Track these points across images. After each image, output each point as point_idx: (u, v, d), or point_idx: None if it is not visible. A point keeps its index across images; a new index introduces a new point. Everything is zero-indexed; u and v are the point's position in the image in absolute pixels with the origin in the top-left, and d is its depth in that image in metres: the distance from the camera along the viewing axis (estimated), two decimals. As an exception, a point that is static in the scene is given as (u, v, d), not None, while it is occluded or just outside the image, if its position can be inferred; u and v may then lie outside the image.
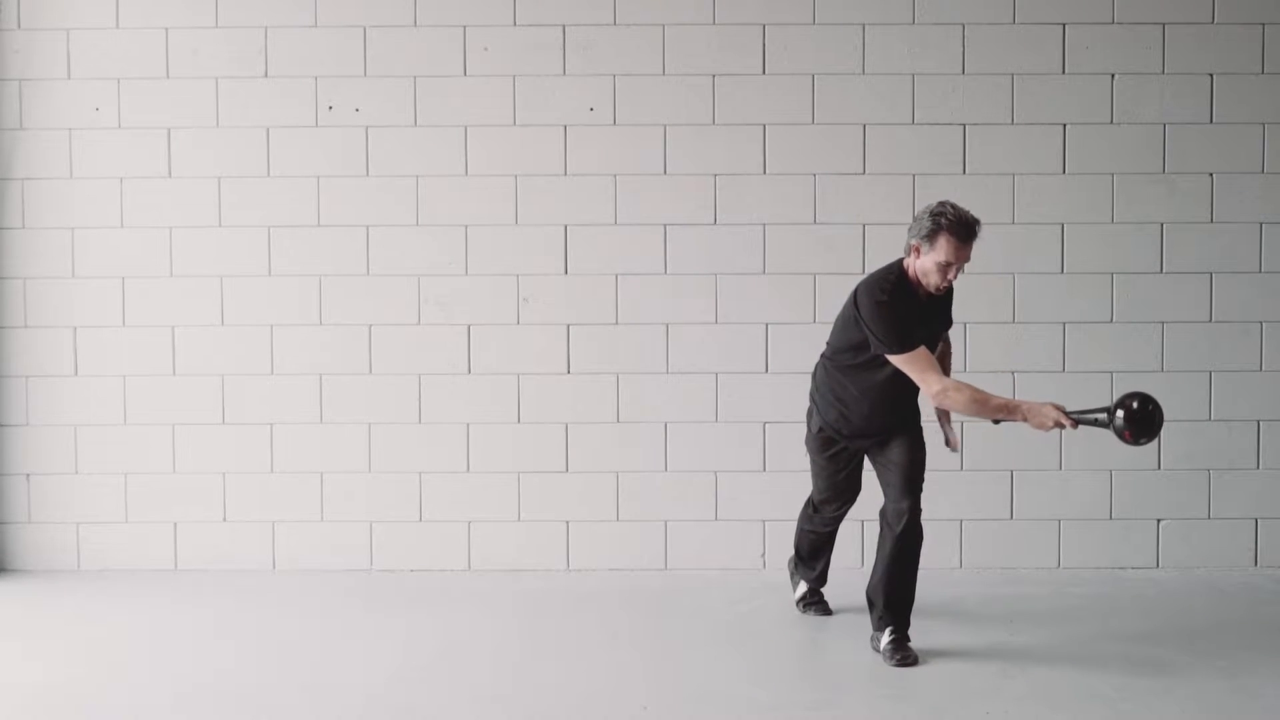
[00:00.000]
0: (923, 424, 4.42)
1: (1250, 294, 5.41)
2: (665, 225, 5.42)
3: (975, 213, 5.34)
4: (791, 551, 4.91)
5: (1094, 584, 5.22)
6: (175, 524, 5.50)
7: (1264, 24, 5.36)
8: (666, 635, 4.55)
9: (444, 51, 5.42)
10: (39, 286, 5.48)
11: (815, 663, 4.21)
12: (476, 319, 5.45)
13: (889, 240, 5.39)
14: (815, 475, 4.58)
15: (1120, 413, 4.07)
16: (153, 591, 5.18)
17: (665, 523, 5.47)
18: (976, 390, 4.15)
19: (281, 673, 4.15)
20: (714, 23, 5.40)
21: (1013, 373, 5.41)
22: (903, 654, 4.16)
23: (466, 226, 5.44)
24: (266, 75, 5.43)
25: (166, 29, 5.43)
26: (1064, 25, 5.38)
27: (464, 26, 5.42)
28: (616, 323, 5.43)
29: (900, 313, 4.12)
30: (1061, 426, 4.07)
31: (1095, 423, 4.10)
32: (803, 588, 4.82)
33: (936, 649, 4.32)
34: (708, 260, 5.42)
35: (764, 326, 5.41)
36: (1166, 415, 5.35)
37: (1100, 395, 5.40)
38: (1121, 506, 5.44)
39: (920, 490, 4.30)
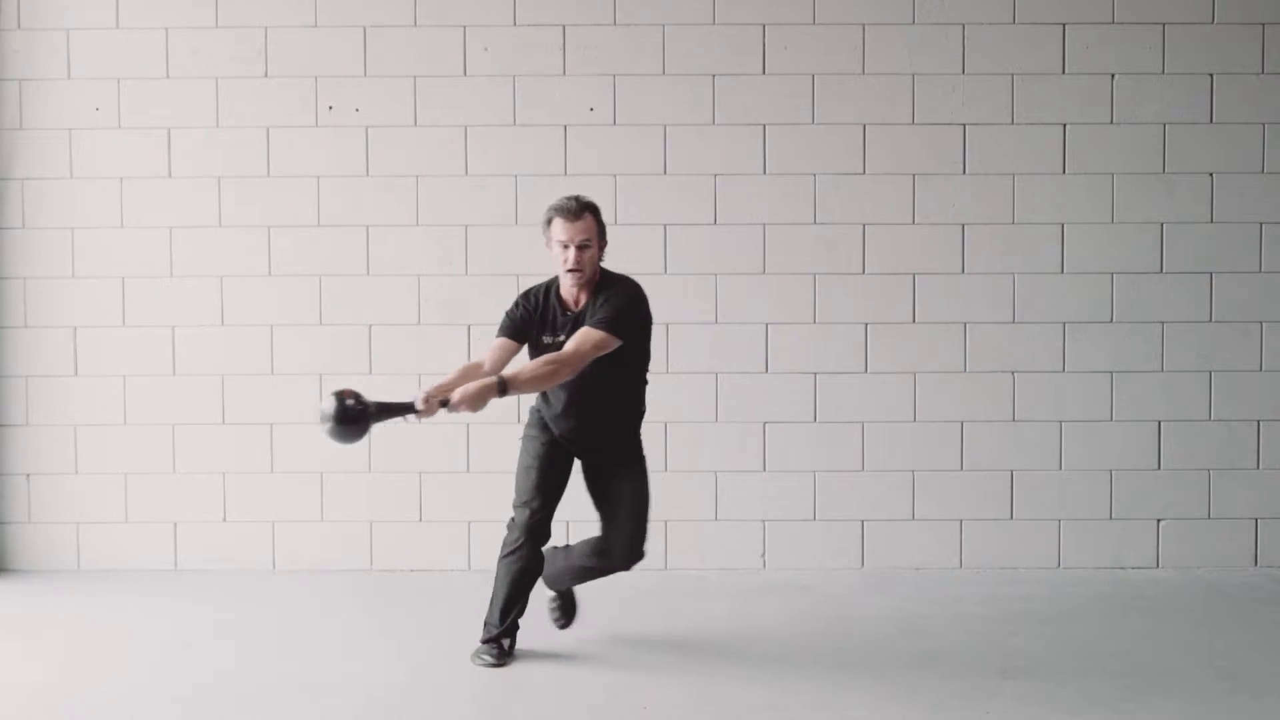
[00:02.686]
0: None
1: (1250, 294, 5.41)
2: (665, 225, 5.42)
3: (975, 213, 5.40)
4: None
5: (1094, 584, 5.22)
6: (175, 524, 5.50)
7: (1264, 24, 5.36)
8: (666, 635, 4.55)
9: (444, 51, 5.42)
10: (39, 286, 5.48)
11: (815, 663, 4.21)
12: (476, 319, 5.44)
13: (889, 240, 5.40)
14: (522, 460, 4.40)
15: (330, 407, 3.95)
16: (153, 591, 5.18)
17: (665, 523, 5.46)
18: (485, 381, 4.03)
19: (281, 673, 4.15)
20: (714, 23, 5.40)
21: (1013, 373, 5.41)
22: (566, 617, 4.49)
23: (466, 226, 5.44)
24: (266, 75, 5.43)
25: (166, 29, 5.43)
26: (1064, 25, 5.38)
27: (464, 26, 5.42)
28: (616, 323, 5.42)
29: (514, 311, 4.22)
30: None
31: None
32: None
33: (937, 649, 4.32)
34: (708, 260, 5.41)
35: (764, 326, 5.41)
36: (1167, 415, 5.40)
37: (1101, 395, 5.40)
38: (1121, 506, 5.44)
39: (644, 540, 4.35)
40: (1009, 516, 5.45)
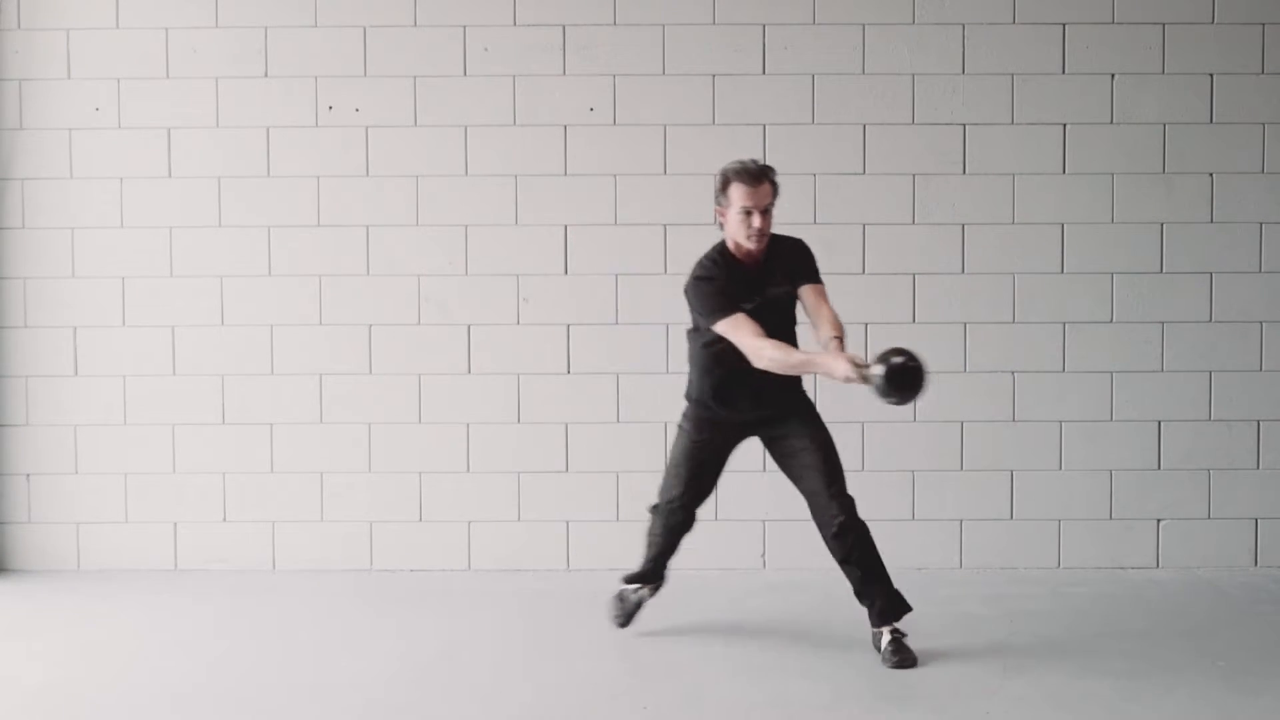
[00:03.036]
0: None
1: (1250, 294, 5.41)
2: (665, 225, 5.42)
3: (976, 213, 5.39)
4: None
5: (1094, 584, 5.22)
6: (175, 524, 5.50)
7: (1264, 24, 5.36)
8: (666, 635, 4.55)
9: (444, 51, 5.42)
10: (39, 286, 5.48)
11: (815, 663, 4.21)
12: (476, 319, 5.45)
13: (889, 240, 5.40)
14: (675, 454, 4.42)
15: (881, 368, 3.84)
16: (153, 591, 5.18)
17: (665, 523, 5.46)
18: (782, 348, 4.06)
19: (281, 673, 4.15)
20: (714, 23, 5.40)
21: (1013, 373, 5.41)
22: (901, 655, 4.15)
23: (466, 226, 5.44)
24: (266, 75, 5.43)
25: (166, 29, 5.43)
26: (1064, 25, 5.38)
27: (464, 26, 5.42)
28: (616, 323, 5.43)
29: (719, 285, 4.11)
30: (850, 380, 3.91)
31: (865, 380, 3.88)
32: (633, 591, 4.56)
33: (937, 649, 4.32)
34: (708, 260, 5.41)
35: (764, 326, 5.40)
36: (1167, 415, 5.40)
37: (1099, 395, 5.40)
38: (1121, 506, 5.44)
39: (843, 485, 4.21)
40: (1009, 516, 5.45)
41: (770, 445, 4.42)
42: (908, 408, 5.38)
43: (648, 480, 5.44)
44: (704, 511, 5.46)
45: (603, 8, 5.40)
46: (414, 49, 5.42)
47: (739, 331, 4.07)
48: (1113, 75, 5.39)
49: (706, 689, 3.97)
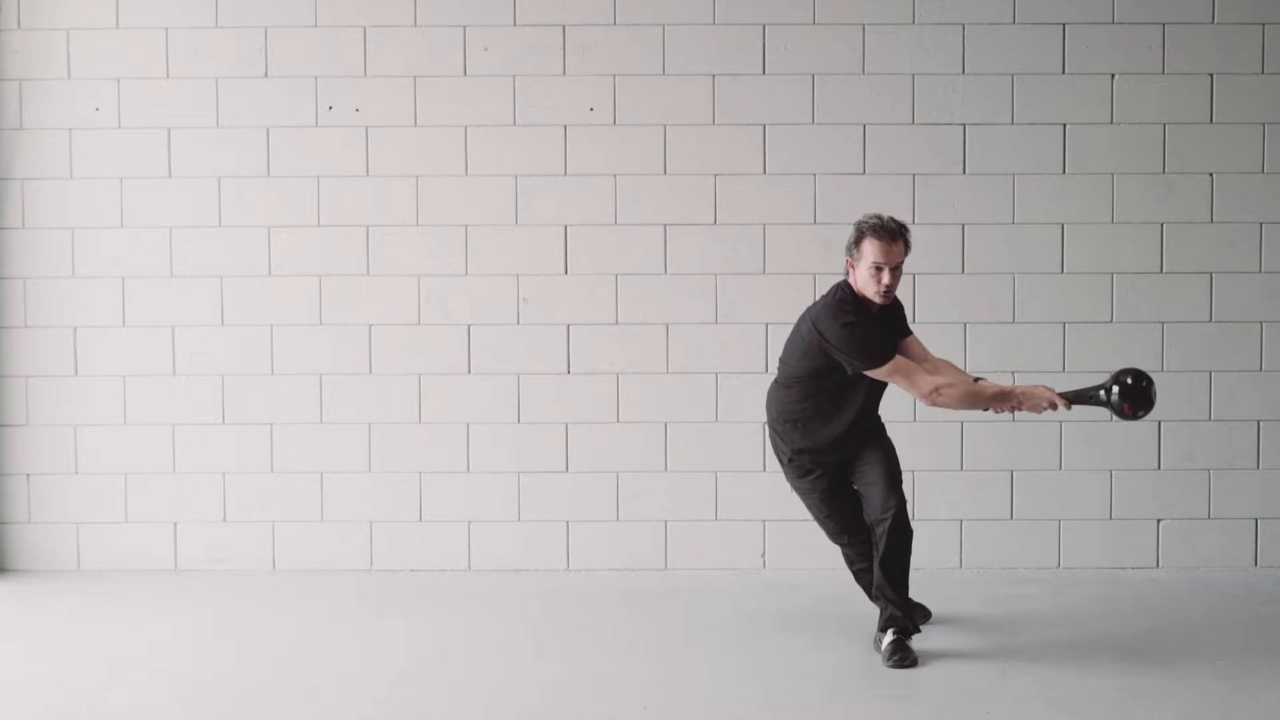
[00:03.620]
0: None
1: (1250, 294, 5.41)
2: (665, 225, 5.42)
3: (976, 213, 5.39)
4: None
5: (1094, 584, 5.22)
6: (175, 524, 5.50)
7: (1264, 24, 5.36)
8: (666, 635, 4.55)
9: (444, 51, 5.42)
10: (39, 286, 5.48)
11: (815, 663, 4.21)
12: (476, 319, 5.45)
13: (889, 240, 5.40)
14: (813, 508, 4.49)
15: (1116, 389, 4.10)
16: (153, 591, 5.18)
17: (665, 523, 5.47)
18: (968, 383, 4.20)
19: (281, 673, 4.15)
20: (714, 23, 5.40)
21: (1013, 373, 5.41)
22: (900, 654, 4.16)
23: (466, 226, 5.44)
24: (266, 75, 5.43)
25: (166, 29, 5.43)
26: (1064, 25, 5.39)
27: (464, 26, 5.42)
28: (616, 323, 5.43)
29: (869, 329, 4.18)
30: (1055, 408, 4.12)
31: (1091, 400, 4.13)
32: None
33: (937, 649, 4.32)
34: (708, 260, 5.42)
35: (764, 326, 5.41)
36: (1167, 415, 5.39)
37: (1100, 395, 5.40)
38: (1121, 506, 5.44)
39: (901, 487, 4.29)
40: (1009, 516, 5.45)
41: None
42: (907, 409, 5.39)
43: (648, 480, 5.46)
44: (704, 511, 5.49)
45: (603, 8, 5.40)
46: (414, 49, 5.42)
47: (909, 373, 4.15)
48: (1113, 75, 5.39)
49: (706, 689, 3.97)
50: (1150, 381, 4.12)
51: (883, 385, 4.31)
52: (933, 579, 5.27)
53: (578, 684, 4.03)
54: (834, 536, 4.52)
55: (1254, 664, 4.17)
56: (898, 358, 4.17)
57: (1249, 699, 3.85)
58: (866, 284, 4.18)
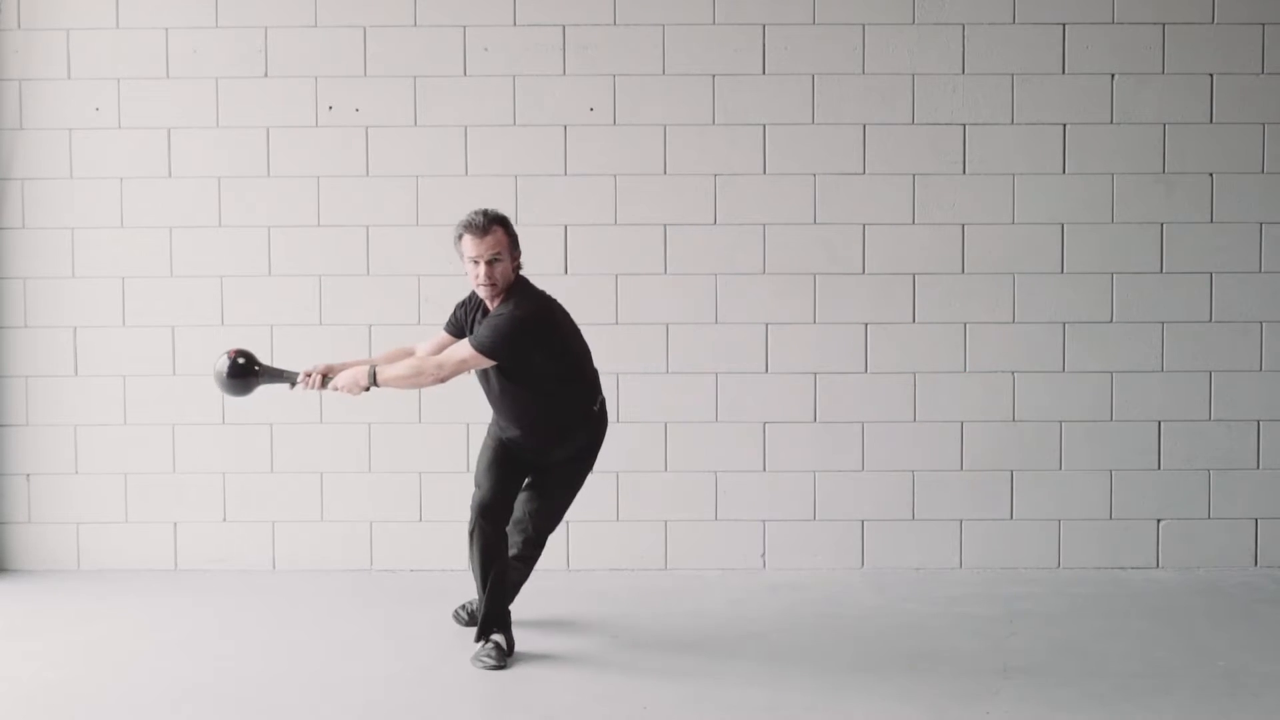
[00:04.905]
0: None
1: (1250, 294, 5.41)
2: (665, 225, 5.42)
3: (976, 213, 5.39)
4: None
5: (1094, 584, 5.22)
6: (175, 524, 5.50)
7: (1264, 24, 5.36)
8: (666, 635, 4.55)
9: (444, 51, 5.42)
10: (39, 286, 5.48)
11: (815, 663, 4.21)
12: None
13: (889, 240, 5.40)
14: (483, 453, 4.53)
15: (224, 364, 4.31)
16: (153, 591, 5.18)
17: (665, 523, 5.47)
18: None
19: (281, 673, 4.15)
20: (714, 23, 5.40)
21: (1013, 373, 5.41)
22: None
23: (466, 226, 5.43)
24: (266, 75, 5.43)
25: (166, 29, 5.43)
26: (1064, 25, 5.38)
27: (464, 26, 5.42)
28: (616, 323, 5.43)
29: (457, 308, 4.50)
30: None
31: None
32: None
33: (937, 649, 4.33)
34: (708, 260, 5.41)
35: (764, 326, 5.41)
36: (1167, 415, 5.40)
37: (1099, 395, 5.40)
38: (1121, 506, 5.44)
39: (549, 531, 4.52)
40: (1009, 516, 5.45)
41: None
42: (907, 409, 5.39)
43: (648, 480, 5.47)
44: (704, 511, 5.48)
45: (603, 8, 5.39)
46: (414, 49, 5.42)
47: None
48: (1113, 75, 5.39)
49: (706, 689, 3.97)
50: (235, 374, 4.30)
51: (524, 396, 4.30)
52: (933, 579, 5.28)
53: (577, 684, 4.03)
54: (476, 481, 4.42)
55: (1254, 664, 4.17)
56: (437, 336, 4.54)
57: (1249, 699, 3.85)
58: (470, 278, 4.30)
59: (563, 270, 5.42)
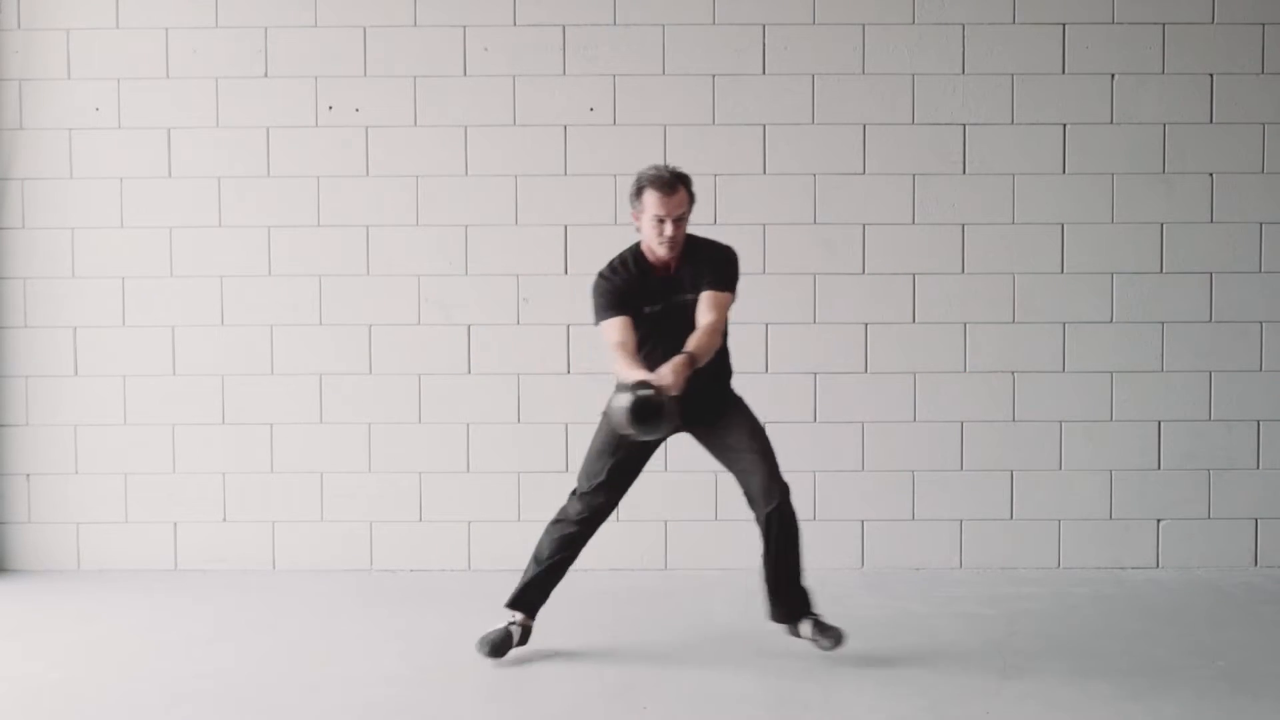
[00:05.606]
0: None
1: (1250, 294, 5.41)
2: (665, 225, 5.42)
3: (975, 213, 5.39)
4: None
5: (1094, 584, 5.22)
6: (175, 524, 5.50)
7: (1264, 24, 5.36)
8: (666, 635, 4.55)
9: (444, 51, 5.42)
10: (39, 286, 5.48)
11: (815, 663, 4.21)
12: (476, 319, 5.45)
13: (889, 240, 5.40)
14: (596, 442, 4.33)
15: (629, 398, 3.87)
16: (153, 591, 5.18)
17: (665, 523, 5.47)
18: (621, 363, 4.05)
19: (281, 673, 4.15)
20: (714, 23, 5.40)
21: (1013, 373, 5.41)
22: (832, 636, 4.14)
23: (466, 226, 5.44)
24: (266, 75, 5.43)
25: (166, 29, 5.43)
26: (1064, 25, 5.39)
27: (464, 26, 5.42)
28: (616, 323, 5.42)
29: (613, 287, 4.12)
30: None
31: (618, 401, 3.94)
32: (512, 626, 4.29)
33: (937, 649, 4.32)
34: (708, 260, 5.41)
35: (764, 326, 5.41)
36: (1167, 415, 5.40)
37: (1100, 395, 5.40)
38: (1121, 506, 5.44)
39: (779, 472, 4.19)
40: (1009, 516, 5.45)
41: (704, 439, 4.38)
42: (907, 409, 5.39)
43: (648, 480, 5.44)
44: (704, 511, 5.48)
45: (603, 8, 5.40)
46: (414, 49, 5.42)
47: (607, 339, 4.12)
48: (1113, 75, 5.39)
49: (707, 689, 3.97)
50: (656, 406, 3.84)
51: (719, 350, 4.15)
52: (933, 579, 5.28)
53: (577, 684, 4.02)
54: (585, 479, 4.32)
55: (1254, 664, 4.17)
56: (611, 322, 4.08)
57: (1249, 699, 3.85)
58: (650, 236, 4.12)
59: (563, 270, 5.42)
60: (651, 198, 4.09)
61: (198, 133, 5.44)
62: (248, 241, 5.45)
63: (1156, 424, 5.41)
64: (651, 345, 4.15)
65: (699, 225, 5.42)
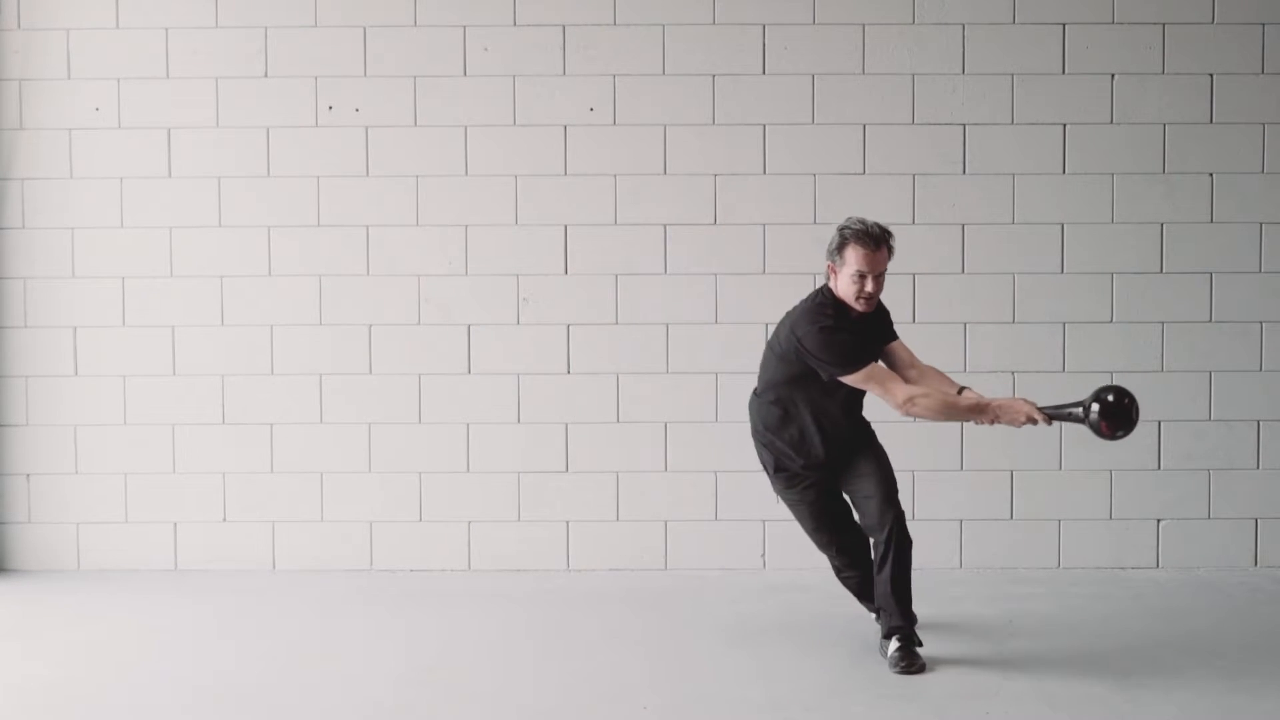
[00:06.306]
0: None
1: (1250, 294, 5.41)
2: (665, 225, 5.42)
3: (975, 213, 5.39)
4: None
5: (1094, 584, 5.22)
6: (175, 524, 5.50)
7: (1264, 24, 5.36)
8: (666, 635, 4.55)
9: (444, 51, 5.42)
10: (39, 286, 5.48)
11: (815, 663, 4.21)
12: (476, 319, 5.45)
13: (889, 240, 5.40)
14: (801, 519, 4.41)
15: (1096, 406, 3.99)
16: (153, 591, 5.18)
17: (665, 523, 5.47)
18: (946, 393, 4.13)
19: (281, 673, 4.15)
20: (714, 23, 5.40)
21: (1013, 373, 5.41)
22: (908, 661, 4.10)
23: (466, 226, 5.44)
24: (266, 75, 5.43)
25: (166, 29, 5.43)
26: (1064, 25, 5.39)
27: (464, 26, 5.42)
28: (616, 323, 5.43)
29: (845, 334, 4.10)
30: (1034, 422, 4.03)
31: (1070, 417, 4.04)
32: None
33: (937, 649, 4.32)
34: (708, 260, 5.42)
35: (764, 326, 5.40)
36: (1166, 415, 5.39)
37: (1100, 395, 5.40)
38: (1121, 506, 5.44)
39: (897, 497, 4.22)
40: (1009, 516, 5.45)
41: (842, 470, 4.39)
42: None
43: (648, 480, 5.47)
44: (704, 511, 5.49)
45: (603, 8, 5.40)
46: (414, 49, 5.42)
47: (883, 380, 4.09)
48: (1113, 75, 5.39)
49: (707, 689, 3.97)
50: (1131, 400, 4.00)
51: (861, 392, 4.24)
52: (933, 579, 5.28)
53: (578, 684, 4.03)
54: (823, 547, 4.46)
55: (1254, 664, 4.17)
56: (873, 365, 4.11)
57: (1249, 699, 3.85)
58: (848, 291, 4.12)
59: (563, 270, 5.43)
60: (856, 254, 4.08)
61: (198, 133, 5.44)
62: (248, 241, 5.45)
63: (1156, 424, 5.41)
64: (845, 395, 4.20)
65: (699, 225, 5.44)
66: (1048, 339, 5.42)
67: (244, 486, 5.49)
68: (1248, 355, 5.42)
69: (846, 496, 4.38)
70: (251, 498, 5.49)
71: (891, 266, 5.37)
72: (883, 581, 4.20)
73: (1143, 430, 5.38)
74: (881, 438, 5.38)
